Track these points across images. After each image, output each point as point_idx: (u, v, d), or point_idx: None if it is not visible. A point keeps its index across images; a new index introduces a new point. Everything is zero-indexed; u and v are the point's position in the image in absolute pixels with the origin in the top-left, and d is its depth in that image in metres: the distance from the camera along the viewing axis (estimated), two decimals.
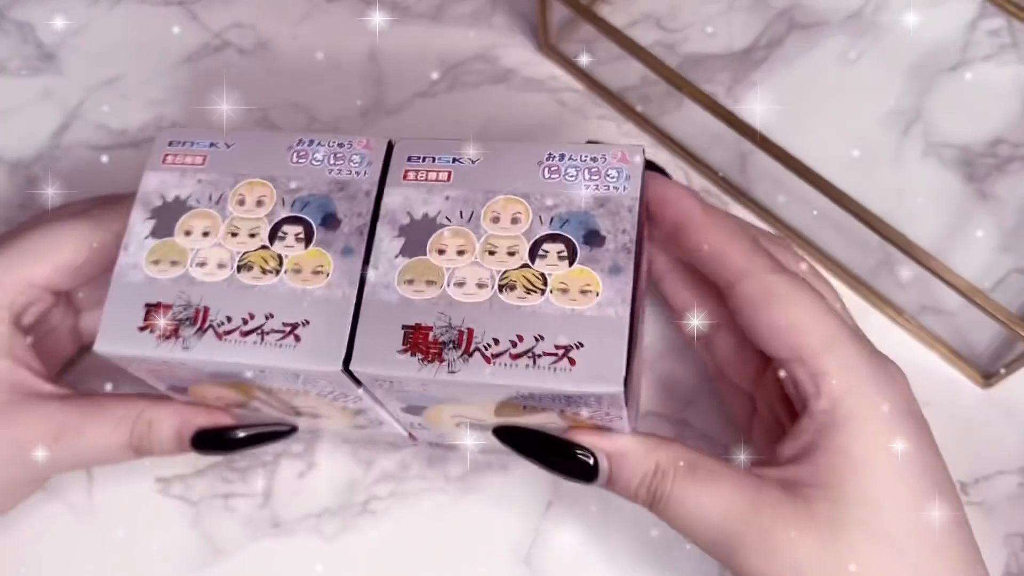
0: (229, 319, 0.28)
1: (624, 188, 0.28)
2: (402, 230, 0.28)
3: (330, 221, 0.29)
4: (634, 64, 0.38)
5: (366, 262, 0.28)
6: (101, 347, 0.28)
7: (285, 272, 0.28)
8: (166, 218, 0.29)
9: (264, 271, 0.28)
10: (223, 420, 0.33)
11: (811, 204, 0.39)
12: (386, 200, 0.29)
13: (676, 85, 0.37)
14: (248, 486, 0.37)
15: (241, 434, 0.33)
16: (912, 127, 0.42)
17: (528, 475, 0.37)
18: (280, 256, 0.28)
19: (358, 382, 0.28)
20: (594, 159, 0.29)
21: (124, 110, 0.44)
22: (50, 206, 0.42)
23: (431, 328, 0.27)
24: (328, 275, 0.28)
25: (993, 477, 0.36)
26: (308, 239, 0.28)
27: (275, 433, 0.34)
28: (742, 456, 0.31)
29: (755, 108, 0.42)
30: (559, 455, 0.30)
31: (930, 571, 0.27)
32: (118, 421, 0.32)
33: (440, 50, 0.45)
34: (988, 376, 0.37)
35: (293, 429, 0.34)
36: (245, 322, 0.28)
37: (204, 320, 0.28)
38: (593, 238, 0.27)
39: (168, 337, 0.28)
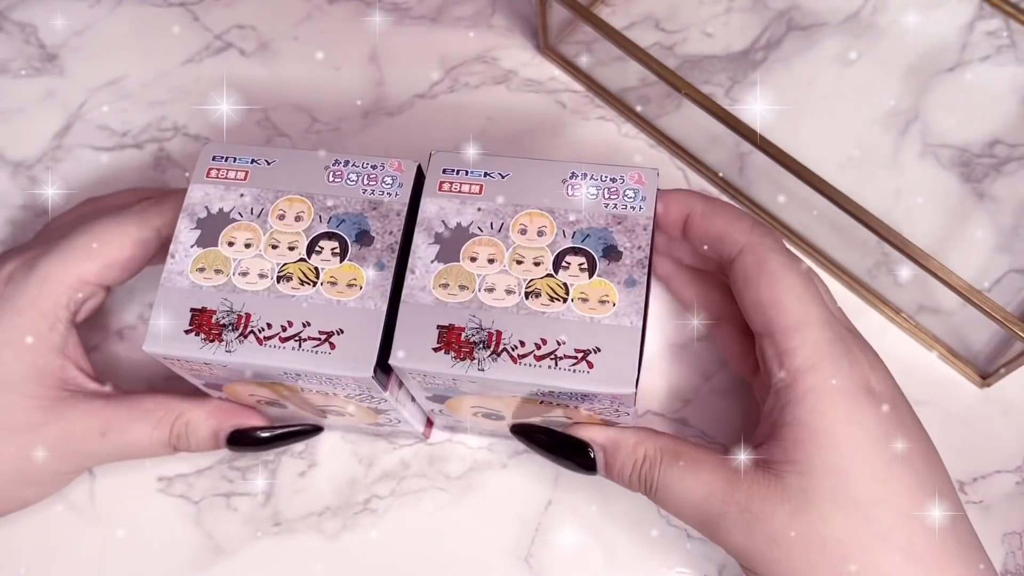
0: (269, 325, 0.30)
1: (640, 208, 0.31)
2: (437, 237, 0.30)
3: (364, 238, 0.31)
4: (633, 65, 0.38)
5: (399, 276, 0.30)
6: (149, 347, 0.30)
7: (321, 284, 0.30)
8: (210, 229, 0.31)
9: (302, 282, 0.30)
10: (255, 421, 0.35)
11: (810, 204, 0.40)
12: (423, 209, 0.31)
13: (675, 86, 0.37)
14: (249, 485, 0.37)
15: (269, 434, 0.35)
16: (910, 128, 0.42)
17: (528, 474, 0.37)
18: (317, 269, 0.30)
19: (385, 387, 0.30)
20: (613, 180, 0.31)
21: (126, 111, 0.45)
22: (51, 206, 0.42)
23: (463, 328, 0.29)
24: (361, 288, 0.30)
25: (991, 476, 0.37)
26: (343, 254, 0.30)
27: (301, 432, 0.36)
28: (741, 455, 0.32)
29: (754, 109, 0.43)
30: (563, 447, 0.33)
31: (899, 537, 0.28)
32: (159, 421, 0.34)
33: (440, 51, 0.45)
34: (986, 376, 0.38)
35: (318, 429, 0.37)
36: (284, 329, 0.30)
37: (246, 326, 0.30)
38: (611, 253, 0.30)
39: (212, 340, 0.29)
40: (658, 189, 0.31)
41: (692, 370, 0.39)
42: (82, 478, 0.38)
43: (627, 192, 0.31)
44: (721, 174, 0.42)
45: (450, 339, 0.29)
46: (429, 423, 0.37)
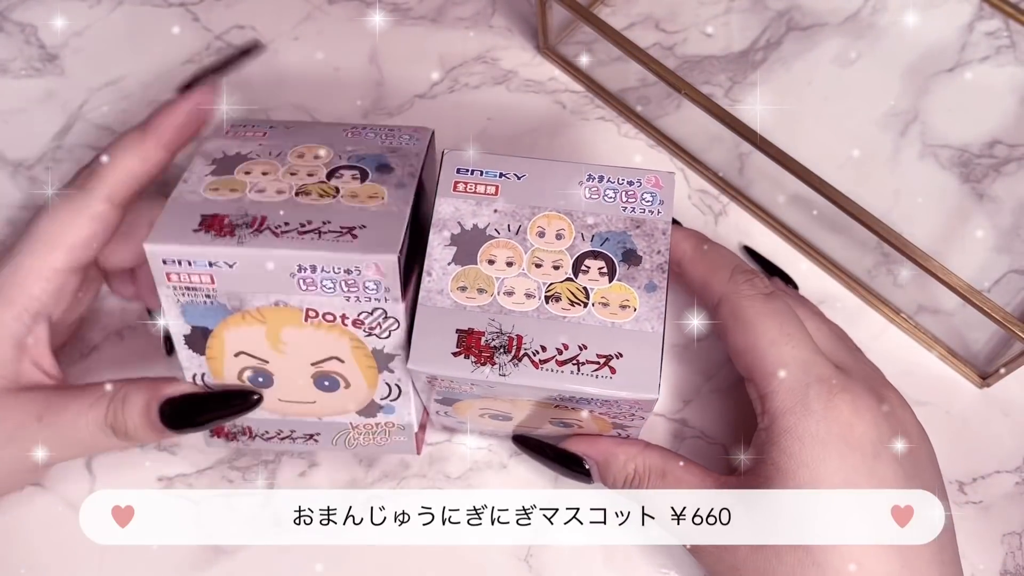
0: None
1: (658, 212, 0.31)
2: (453, 239, 0.30)
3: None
4: (633, 66, 0.38)
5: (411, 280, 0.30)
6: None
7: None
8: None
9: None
10: (189, 389, 0.33)
11: (809, 204, 0.40)
12: (438, 209, 0.31)
13: (675, 86, 0.37)
14: (249, 485, 0.37)
15: (207, 415, 0.32)
16: (910, 128, 0.42)
17: (527, 474, 0.37)
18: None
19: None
20: (631, 183, 0.31)
21: (126, 111, 0.45)
22: (51, 207, 0.42)
23: (483, 333, 0.29)
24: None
25: (990, 476, 0.37)
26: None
27: (241, 402, 0.33)
28: (742, 455, 0.32)
29: (754, 109, 0.43)
30: (561, 460, 0.34)
31: None
32: (96, 399, 0.32)
33: (440, 51, 0.45)
34: (985, 376, 0.38)
35: (259, 398, 0.33)
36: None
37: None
38: (630, 257, 0.30)
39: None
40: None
41: (692, 370, 0.39)
42: (82, 478, 0.38)
43: (645, 196, 0.31)
44: (721, 174, 0.42)
45: (470, 343, 0.29)
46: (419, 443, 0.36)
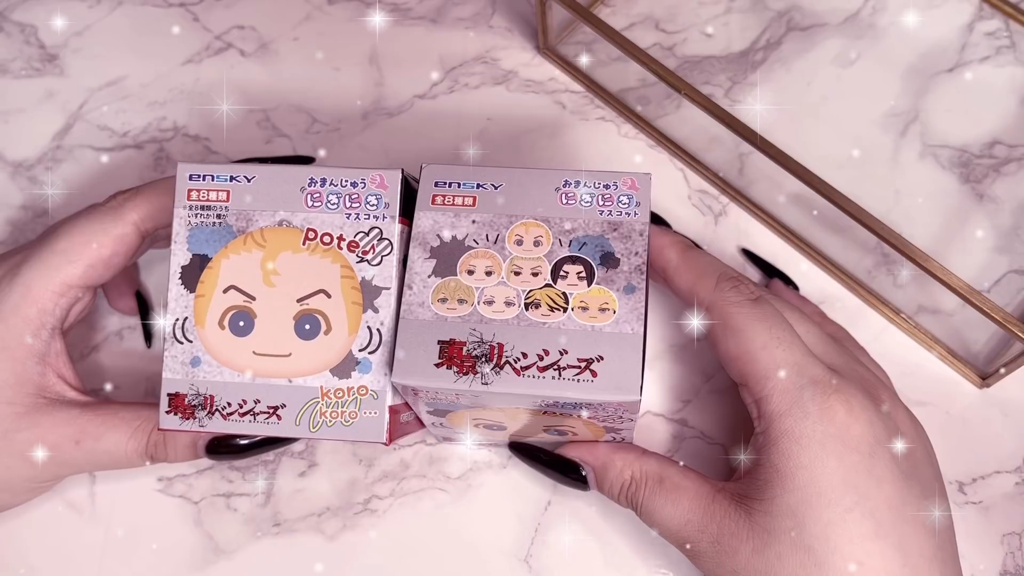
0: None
1: (635, 213, 0.31)
2: (433, 251, 0.30)
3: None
4: (633, 66, 0.38)
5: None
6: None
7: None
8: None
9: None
10: (232, 430, 0.33)
11: (809, 205, 0.40)
12: (417, 223, 0.31)
13: (675, 87, 0.37)
14: (249, 485, 0.38)
15: (248, 441, 0.34)
16: (909, 128, 0.42)
17: (527, 474, 0.37)
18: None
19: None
20: (607, 186, 0.31)
21: (126, 111, 0.45)
22: (51, 206, 0.42)
23: (464, 343, 0.29)
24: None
25: (990, 477, 0.37)
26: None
27: (280, 438, 0.34)
28: (742, 456, 0.32)
29: (754, 109, 0.43)
30: (557, 466, 0.34)
31: None
32: (135, 430, 0.34)
33: (440, 52, 0.45)
34: (985, 376, 0.38)
35: (289, 440, 0.35)
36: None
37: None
38: (608, 260, 0.30)
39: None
40: (649, 224, 0.31)
41: (692, 370, 0.39)
42: (82, 478, 0.38)
43: (621, 198, 0.31)
44: (721, 174, 0.42)
45: (452, 354, 0.29)
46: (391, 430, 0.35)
